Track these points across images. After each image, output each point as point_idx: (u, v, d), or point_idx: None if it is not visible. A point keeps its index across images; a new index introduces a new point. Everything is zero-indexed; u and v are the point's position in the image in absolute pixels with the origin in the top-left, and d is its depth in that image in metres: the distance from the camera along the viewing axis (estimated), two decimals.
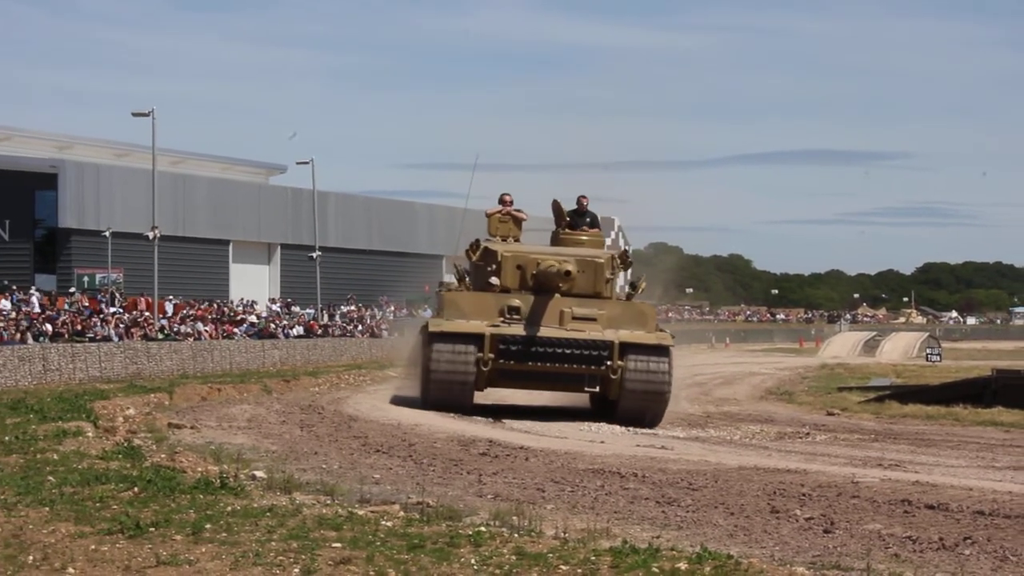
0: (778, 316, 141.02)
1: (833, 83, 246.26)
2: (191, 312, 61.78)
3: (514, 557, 11.12)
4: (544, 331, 29.72)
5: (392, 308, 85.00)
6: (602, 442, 23.78)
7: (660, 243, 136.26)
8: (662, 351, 29.80)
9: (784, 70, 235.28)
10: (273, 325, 65.78)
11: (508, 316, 29.90)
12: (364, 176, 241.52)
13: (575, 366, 29.54)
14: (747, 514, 14.65)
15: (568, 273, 30.46)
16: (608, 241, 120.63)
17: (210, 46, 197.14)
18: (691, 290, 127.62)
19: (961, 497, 15.95)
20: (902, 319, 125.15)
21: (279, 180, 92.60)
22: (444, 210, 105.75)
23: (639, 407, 29.59)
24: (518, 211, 33.17)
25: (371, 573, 10.44)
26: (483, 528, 12.54)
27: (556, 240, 32.87)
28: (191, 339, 54.39)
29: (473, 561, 10.97)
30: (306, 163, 74.69)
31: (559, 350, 29.55)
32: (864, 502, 15.63)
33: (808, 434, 27.26)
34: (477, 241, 32.21)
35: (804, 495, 16.09)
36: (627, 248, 33.16)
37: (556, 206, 33.04)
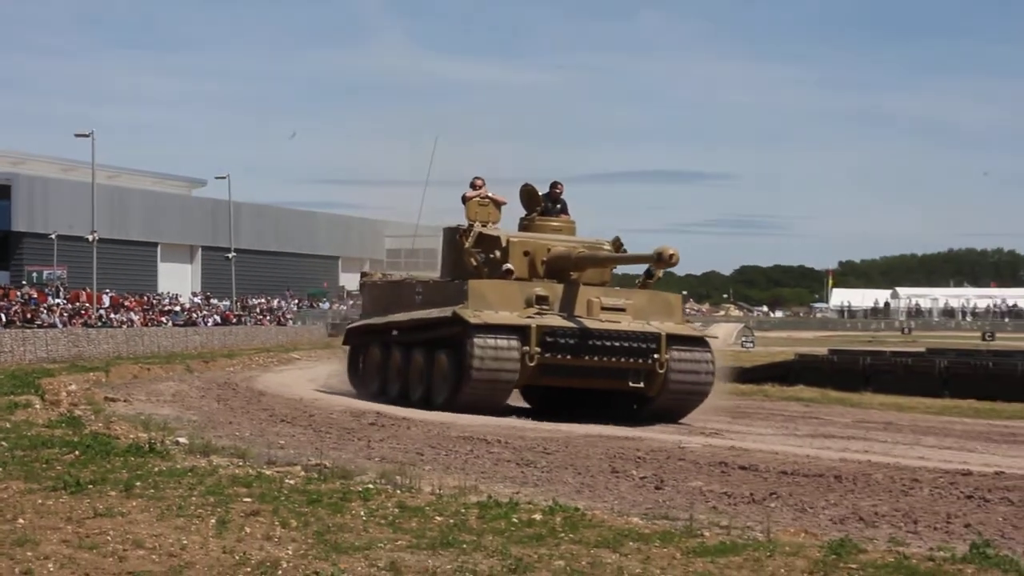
0: None
1: (666, 113, 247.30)
2: (124, 303, 61.31)
3: (397, 510, 11.12)
4: (588, 322, 23.90)
5: (296, 301, 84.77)
6: (474, 414, 23.69)
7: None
8: (705, 343, 24.50)
9: (623, 101, 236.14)
10: (194, 315, 65.41)
11: (539, 306, 23.87)
12: (273, 189, 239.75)
13: (623, 360, 23.58)
14: (592, 474, 14.71)
15: (584, 260, 24.91)
16: None
17: (144, 77, 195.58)
18: None
19: (769, 460, 16.11)
20: (722, 312, 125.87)
21: (201, 192, 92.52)
22: (340, 218, 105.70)
23: (680, 404, 24.27)
24: (496, 196, 26.64)
25: (276, 523, 10.40)
26: (371, 486, 12.53)
27: (527, 227, 26.16)
28: (124, 326, 53.93)
29: (362, 513, 10.96)
30: (223, 178, 74.87)
31: (611, 343, 23.58)
32: (689, 464, 15.73)
33: None
34: (470, 226, 25.47)
35: (639, 458, 16.16)
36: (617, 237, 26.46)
37: (530, 191, 26.36)
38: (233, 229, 76.06)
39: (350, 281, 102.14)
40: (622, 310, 24.36)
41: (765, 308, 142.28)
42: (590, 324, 23.79)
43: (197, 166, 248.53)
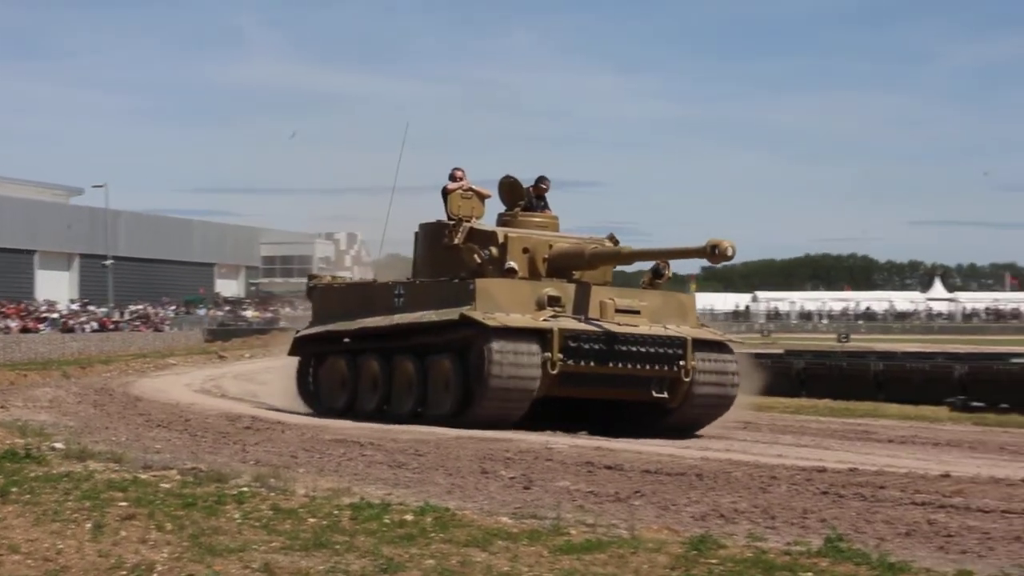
0: None
1: (536, 125, 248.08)
2: (2, 310, 60.35)
3: (271, 512, 11.05)
4: (610, 326, 21.25)
5: (173, 307, 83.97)
6: (346, 418, 23.57)
7: (396, 254, 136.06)
8: (729, 348, 22.22)
9: (495, 113, 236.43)
10: (72, 321, 64.49)
11: (551, 308, 21.16)
12: (150, 197, 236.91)
13: (648, 367, 21.06)
14: (462, 475, 14.70)
15: (598, 257, 22.43)
16: (352, 252, 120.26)
17: (21, 84, 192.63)
18: None
19: (633, 459, 16.20)
20: None
21: (79, 200, 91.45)
22: (215, 226, 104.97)
23: (704, 415, 21.99)
24: (480, 188, 23.80)
25: (152, 526, 10.28)
26: (246, 488, 12.44)
27: (508, 223, 23.14)
28: (1, 333, 53.09)
29: (237, 516, 10.87)
30: (100, 186, 74.04)
31: (638, 348, 21.03)
32: (556, 464, 15.78)
33: None
34: (459, 221, 22.64)
35: (508, 459, 16.18)
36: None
37: (513, 184, 23.57)
38: (110, 237, 75.33)
39: (225, 287, 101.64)
40: (637, 312, 21.79)
41: None
42: (614, 328, 21.24)
43: (75, 174, 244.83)
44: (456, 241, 22.42)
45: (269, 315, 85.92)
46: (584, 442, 18.40)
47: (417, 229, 24.10)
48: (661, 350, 21.09)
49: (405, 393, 22.48)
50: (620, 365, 20.89)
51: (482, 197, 23.61)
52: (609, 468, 15.34)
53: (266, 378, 33.36)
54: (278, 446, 17.61)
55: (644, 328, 21.34)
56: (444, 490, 13.41)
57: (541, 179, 24.11)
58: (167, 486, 12.56)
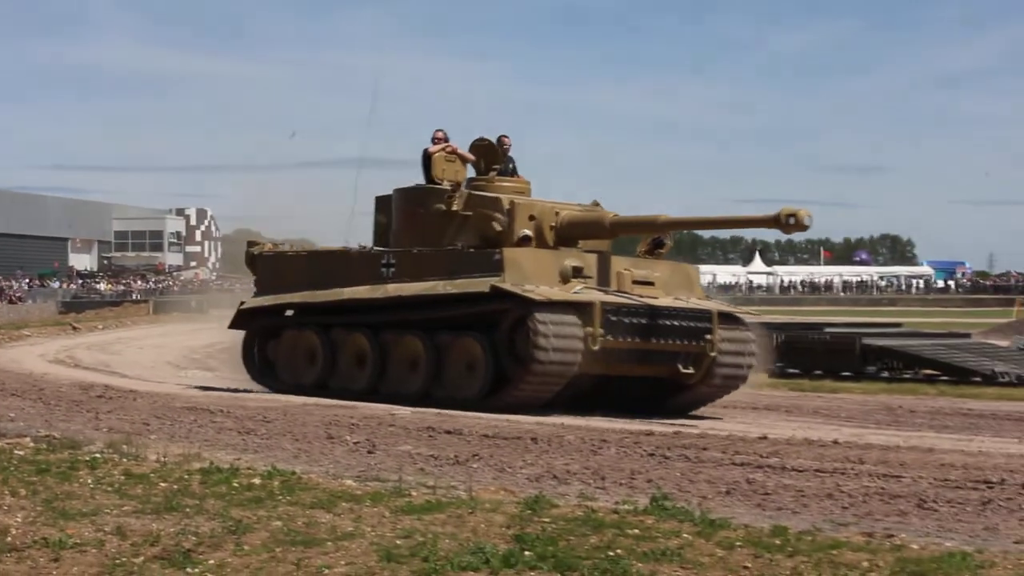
0: None
1: (385, 107, 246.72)
2: None
3: (123, 477, 10.93)
4: (648, 299, 19.38)
5: (27, 280, 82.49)
6: (196, 386, 23.34)
7: (244, 229, 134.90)
8: (744, 321, 20.52)
9: (335, 94, 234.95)
10: None
11: (579, 280, 19.26)
12: (4, 174, 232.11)
13: (680, 342, 19.30)
14: (309, 440, 14.65)
15: (621, 226, 20.50)
16: (202, 227, 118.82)
17: None
18: None
19: (472, 424, 16.26)
20: None
21: None
22: (69, 201, 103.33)
23: (721, 391, 20.32)
24: (464, 151, 21.48)
25: (6, 492, 10.11)
26: (98, 455, 12.29)
27: (483, 187, 20.68)
28: None
29: (90, 481, 10.74)
30: None
31: (675, 323, 19.21)
32: (399, 429, 15.78)
33: None
34: (457, 185, 20.44)
35: (353, 424, 16.15)
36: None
37: (489, 146, 21.52)
38: None
39: (79, 261, 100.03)
40: (651, 284, 20.05)
41: None
42: (652, 301, 19.41)
43: None
44: (455, 207, 20.23)
45: (121, 288, 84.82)
46: (427, 409, 18.41)
47: (391, 194, 21.62)
48: (693, 324, 19.42)
49: (407, 372, 20.24)
50: (659, 340, 19.12)
51: (465, 161, 21.43)
52: (449, 433, 15.38)
53: (118, 348, 32.92)
54: (130, 414, 17.39)
55: (667, 300, 19.68)
56: (291, 455, 13.36)
57: (502, 138, 21.81)
58: (21, 453, 12.37)
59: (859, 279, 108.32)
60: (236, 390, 21.92)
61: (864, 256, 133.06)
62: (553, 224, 20.13)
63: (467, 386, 19.38)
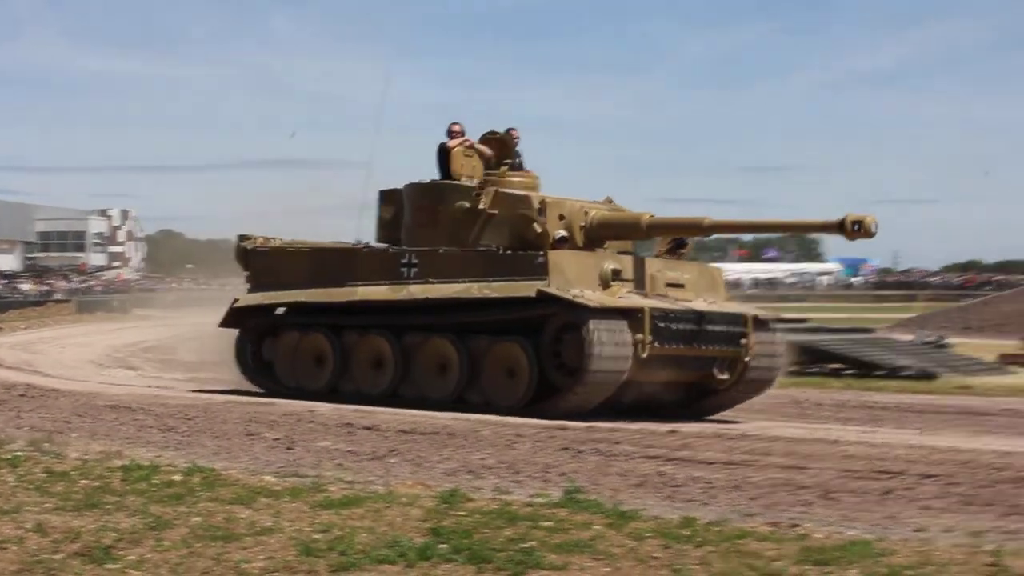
0: None
1: (310, 108, 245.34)
2: None
3: (44, 475, 10.81)
4: (695, 304, 18.42)
5: None
6: (118, 384, 23.13)
7: (167, 229, 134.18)
8: (772, 327, 19.49)
9: (264, 95, 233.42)
10: None
11: (619, 283, 18.16)
12: None
13: (720, 348, 18.43)
14: (229, 437, 14.58)
15: (658, 228, 19.30)
16: (125, 227, 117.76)
17: None
18: (191, 265, 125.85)
19: (389, 420, 16.22)
20: None
21: None
22: None
23: (750, 394, 19.44)
24: (481, 146, 20.03)
25: None
26: (20, 453, 12.14)
27: (496, 183, 19.31)
28: None
29: (11, 479, 10.61)
30: None
31: (718, 328, 18.34)
32: (318, 426, 15.73)
33: None
34: (484, 182, 19.21)
35: (273, 421, 16.07)
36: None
37: (502, 140, 20.14)
38: None
39: (2, 262, 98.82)
40: (682, 286, 18.97)
41: None
42: (699, 306, 18.46)
43: None
44: (482, 205, 19.03)
45: (45, 288, 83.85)
46: (344, 406, 18.35)
47: (398, 189, 20.33)
48: (731, 328, 18.52)
49: (435, 377, 19.00)
50: (701, 346, 18.20)
51: (482, 156, 19.98)
52: (367, 429, 15.35)
53: (41, 348, 32.56)
54: (52, 412, 17.20)
55: (702, 303, 18.67)
56: (211, 452, 13.29)
57: (511, 131, 20.44)
58: None
59: (769, 276, 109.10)
60: (214, 390, 21.73)
61: (774, 253, 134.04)
62: (583, 224, 18.97)
63: (508, 392, 18.25)
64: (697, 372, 18.63)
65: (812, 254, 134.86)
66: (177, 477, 10.69)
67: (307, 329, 20.51)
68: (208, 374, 24.79)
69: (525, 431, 15.21)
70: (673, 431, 15.63)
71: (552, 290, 17.63)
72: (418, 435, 14.82)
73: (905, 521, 9.51)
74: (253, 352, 21.16)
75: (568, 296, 17.48)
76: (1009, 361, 35.56)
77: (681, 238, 19.59)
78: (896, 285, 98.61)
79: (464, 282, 18.52)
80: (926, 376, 28.45)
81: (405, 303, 19.06)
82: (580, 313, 17.34)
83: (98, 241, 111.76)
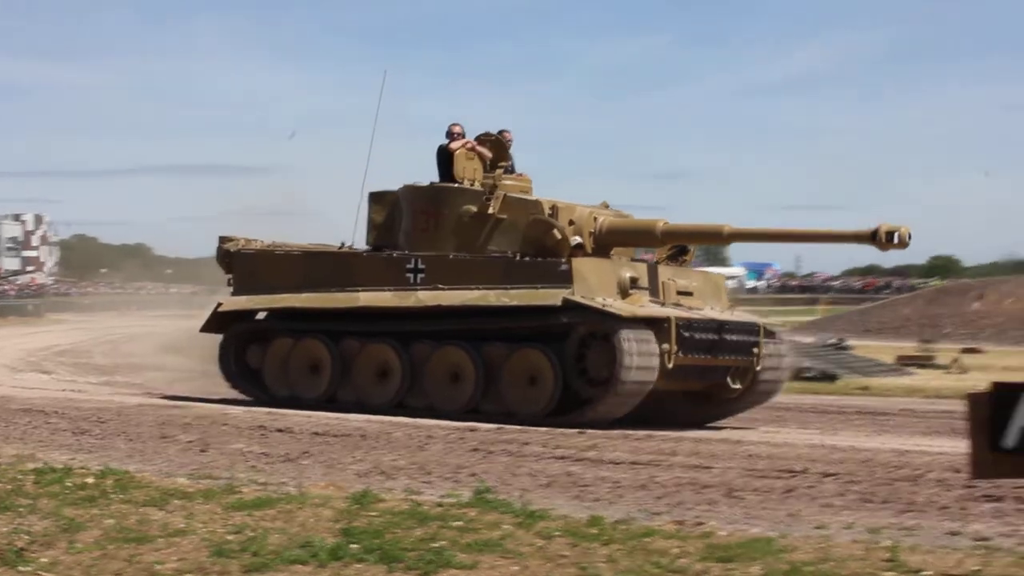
0: (172, 289, 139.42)
1: (216, 112, 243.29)
2: None
3: None
4: (713, 314, 17.96)
5: None
6: (31, 388, 22.82)
7: (81, 234, 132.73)
8: (778, 336, 18.95)
9: (176, 100, 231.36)
10: None
11: (638, 291, 17.48)
12: None
13: (736, 357, 17.88)
14: (143, 440, 14.42)
15: (673, 235, 18.60)
16: (39, 232, 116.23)
17: None
18: (104, 270, 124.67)
19: (303, 422, 16.15)
20: None
21: None
22: None
23: (755, 404, 18.92)
24: (482, 148, 19.11)
25: None
26: None
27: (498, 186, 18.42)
28: None
29: None
30: None
31: (734, 337, 17.80)
32: (231, 428, 15.62)
33: (193, 379, 26.96)
34: (494, 186, 18.30)
35: (186, 424, 15.93)
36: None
37: (496, 142, 19.35)
38: None
39: None
40: (691, 294, 18.37)
41: None
42: (719, 316, 17.99)
43: None
44: (492, 210, 18.19)
45: None
46: (257, 408, 18.23)
47: (393, 191, 19.42)
48: (746, 338, 18.01)
49: (446, 386, 18.14)
50: (720, 355, 17.66)
51: (483, 159, 19.04)
52: (280, 431, 15.27)
53: None
54: None
55: (716, 312, 18.20)
56: (125, 454, 13.14)
57: (504, 133, 19.69)
58: None
59: None
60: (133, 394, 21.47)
61: None
62: (592, 231, 18.20)
63: (530, 401, 17.45)
64: (712, 382, 18.14)
65: (717, 258, 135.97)
66: (90, 480, 10.56)
67: (301, 335, 19.45)
68: (123, 377, 24.56)
69: (436, 433, 15.21)
70: (582, 432, 15.70)
71: (578, 298, 16.98)
72: (331, 437, 14.76)
73: (806, 518, 9.60)
74: (237, 358, 20.09)
75: (597, 305, 16.84)
76: (906, 362, 36.13)
77: (684, 245, 19.09)
78: (798, 289, 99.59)
79: (479, 289, 17.80)
80: (827, 377, 28.81)
81: (414, 310, 18.21)
82: (610, 322, 16.73)
83: (12, 246, 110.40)
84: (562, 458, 13.17)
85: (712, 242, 18.94)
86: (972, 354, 41.46)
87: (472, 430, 15.59)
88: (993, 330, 59.32)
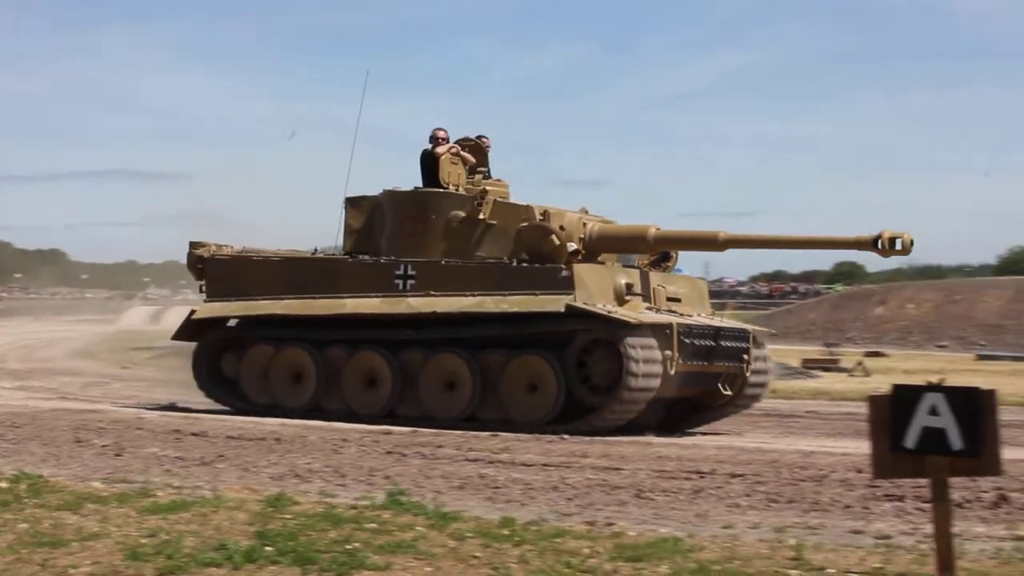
0: (87, 294, 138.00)
1: (132, 119, 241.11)
2: None
3: None
4: (707, 320, 17.91)
5: None
6: None
7: None
8: (762, 343, 18.76)
9: (93, 106, 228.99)
10: None
11: (633, 297, 17.10)
12: None
13: (728, 363, 17.65)
14: (57, 444, 14.24)
15: (666, 241, 18.24)
16: None
17: None
18: (19, 275, 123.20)
19: (217, 426, 16.03)
20: (180, 296, 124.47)
21: None
22: None
23: (739, 410, 18.75)
24: (466, 153, 18.84)
25: None
26: None
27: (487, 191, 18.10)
28: None
29: None
30: None
31: (729, 343, 17.65)
32: (147, 432, 15.46)
33: (107, 383, 26.75)
34: (484, 191, 17.88)
35: (101, 428, 15.74)
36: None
37: (475, 147, 19.07)
38: None
39: None
40: (679, 300, 18.04)
41: None
42: (715, 322, 17.88)
43: None
44: (482, 216, 17.76)
45: None
46: (173, 412, 18.06)
47: (372, 196, 18.83)
48: (738, 344, 17.81)
49: (441, 393, 17.50)
50: (715, 362, 17.40)
51: (466, 163, 18.74)
52: (195, 435, 15.14)
53: None
54: None
55: (706, 318, 18.06)
56: (39, 459, 12.97)
57: (482, 139, 19.35)
58: None
59: None
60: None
61: None
62: (582, 236, 17.70)
63: (531, 409, 16.93)
64: (705, 388, 17.78)
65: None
66: (3, 484, 10.41)
67: (282, 343, 18.67)
68: (38, 382, 24.25)
69: (351, 436, 15.16)
70: (494, 435, 15.72)
71: (582, 304, 16.54)
72: (246, 441, 14.66)
73: (714, 518, 9.67)
74: (212, 367, 19.21)
75: (602, 311, 16.46)
76: (812, 366, 36.49)
77: (667, 253, 18.67)
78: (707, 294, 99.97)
79: (474, 295, 17.24)
80: None
81: (405, 317, 17.60)
82: (615, 329, 16.33)
83: None
84: (475, 460, 13.17)
85: (706, 248, 18.57)
86: (875, 358, 42.06)
87: (386, 433, 15.55)
88: (896, 334, 60.21)
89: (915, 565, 7.41)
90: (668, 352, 16.48)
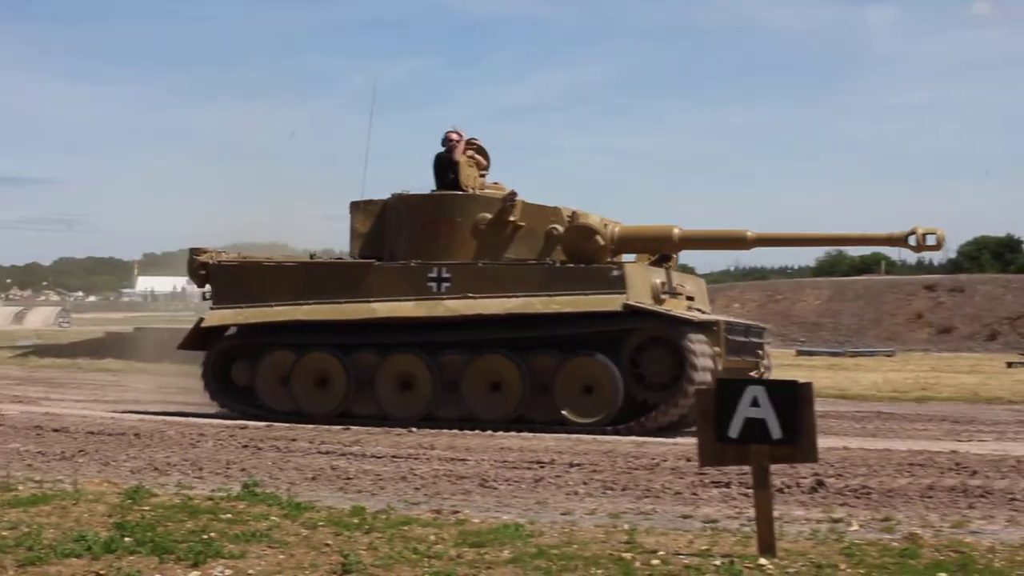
0: None
1: None
2: None
3: None
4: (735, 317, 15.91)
5: None
6: None
7: None
8: (765, 338, 18.18)
9: None
10: None
11: (668, 296, 16.59)
12: None
13: (751, 359, 16.99)
14: None
15: (692, 241, 17.75)
16: None
17: None
18: None
19: (78, 422, 15.75)
20: (43, 297, 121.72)
21: None
22: None
23: None
24: (479, 156, 18.14)
25: None
26: None
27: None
28: None
29: None
30: None
31: (754, 340, 17.26)
32: (8, 428, 15.11)
33: None
34: (512, 193, 17.17)
35: None
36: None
37: (479, 149, 18.17)
38: None
39: None
40: (692, 298, 17.53)
41: (80, 293, 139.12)
42: (737, 319, 17.02)
43: None
44: (513, 217, 16.99)
45: None
46: (34, 409, 17.68)
47: (381, 200, 17.85)
48: (758, 339, 17.35)
49: (485, 395, 16.46)
50: (747, 358, 16.77)
51: (481, 167, 18.02)
52: (56, 431, 14.85)
53: None
54: None
55: (723, 315, 17.40)
56: None
57: (471, 140, 18.23)
58: None
59: None
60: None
61: None
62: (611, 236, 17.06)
63: (589, 410, 16.09)
64: None
65: None
66: None
67: (304, 349, 17.33)
68: None
69: (208, 430, 14.99)
70: (346, 428, 15.66)
71: (638, 303, 15.97)
72: (106, 436, 14.41)
73: (554, 506, 9.76)
74: (223, 375, 17.90)
75: (661, 310, 15.99)
76: None
77: (667, 254, 17.98)
78: None
79: (518, 296, 16.37)
80: None
81: (445, 320, 16.60)
82: (674, 327, 15.72)
83: None
84: (327, 453, 13.12)
85: (733, 248, 18.04)
86: None
87: (243, 428, 15.42)
88: None
89: (739, 547, 7.55)
90: (717, 348, 15.91)
